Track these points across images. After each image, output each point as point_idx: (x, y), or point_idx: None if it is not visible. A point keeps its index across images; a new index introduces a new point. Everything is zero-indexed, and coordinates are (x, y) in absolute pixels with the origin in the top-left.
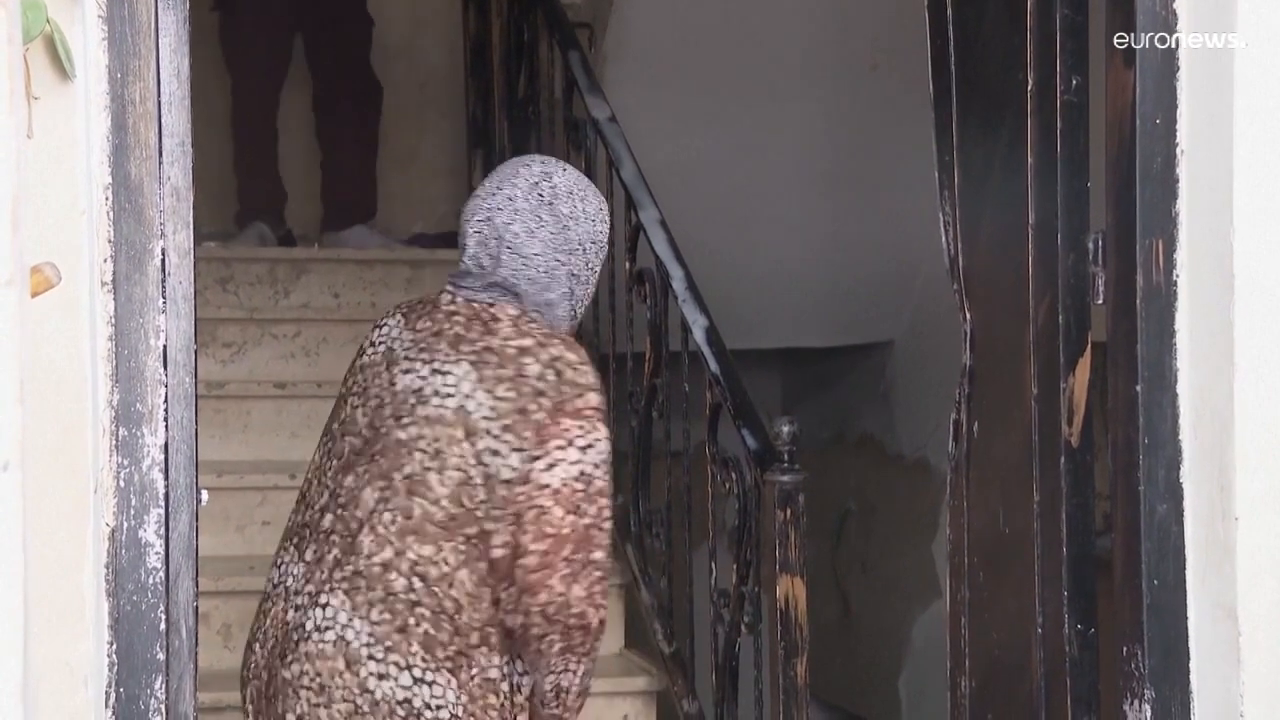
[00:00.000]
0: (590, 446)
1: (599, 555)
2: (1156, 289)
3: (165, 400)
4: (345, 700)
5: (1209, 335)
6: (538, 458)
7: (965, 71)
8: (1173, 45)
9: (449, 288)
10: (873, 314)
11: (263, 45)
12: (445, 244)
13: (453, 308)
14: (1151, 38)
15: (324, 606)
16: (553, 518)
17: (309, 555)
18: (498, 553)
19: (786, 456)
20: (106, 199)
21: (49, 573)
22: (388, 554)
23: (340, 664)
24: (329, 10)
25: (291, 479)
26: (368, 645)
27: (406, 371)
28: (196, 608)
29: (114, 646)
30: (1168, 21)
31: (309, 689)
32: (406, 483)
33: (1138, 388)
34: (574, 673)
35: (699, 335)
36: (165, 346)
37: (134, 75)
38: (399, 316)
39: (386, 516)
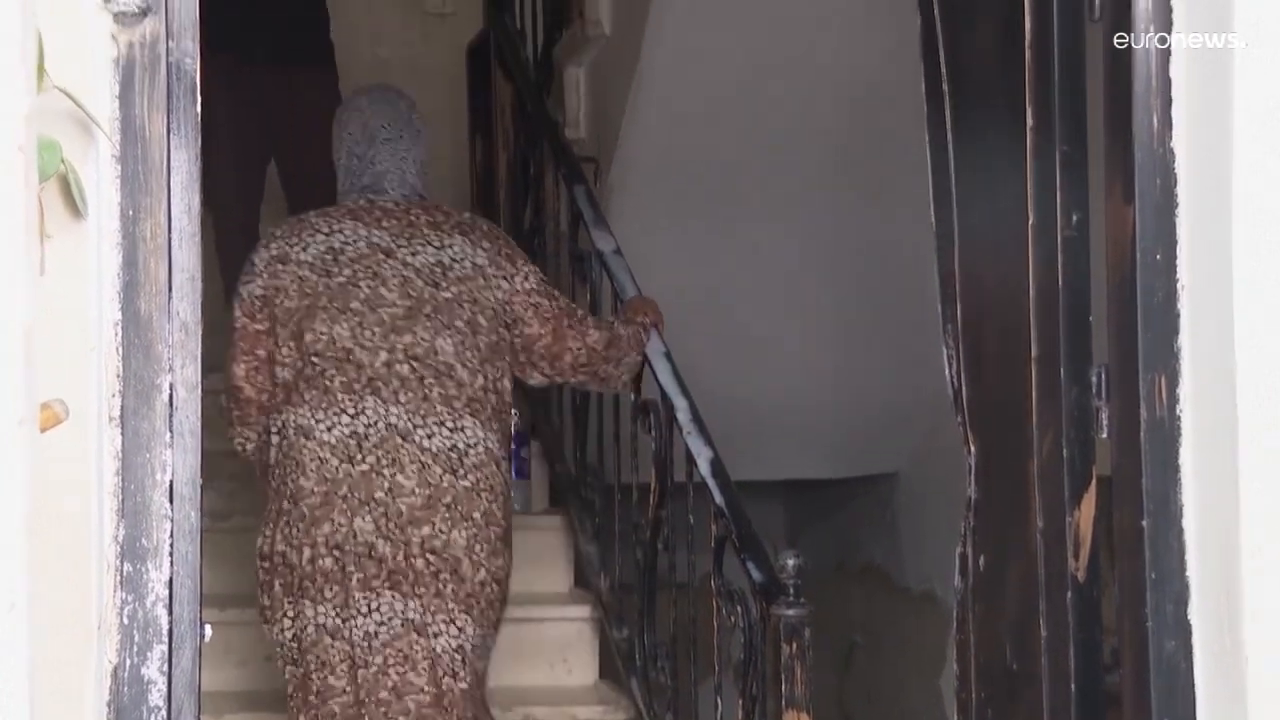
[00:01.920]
0: (529, 261)
1: (580, 311)
2: (1160, 423)
3: (170, 535)
4: (500, 491)
5: (1214, 469)
6: (515, 276)
7: (967, 204)
8: (1172, 181)
9: (368, 198)
10: (877, 445)
11: (236, 177)
12: None
13: (395, 208)
14: (1152, 175)
15: (463, 430)
16: (543, 306)
17: (404, 397)
18: (519, 347)
19: (792, 590)
20: (116, 334)
21: (52, 710)
22: (481, 380)
23: (493, 467)
24: (301, 138)
25: None
26: (498, 446)
27: (415, 254)
28: None
29: None
30: (1165, 160)
31: (485, 490)
32: (469, 326)
33: (1143, 522)
34: (637, 353)
35: (704, 467)
36: (171, 481)
37: (146, 212)
38: (348, 223)
39: (468, 354)
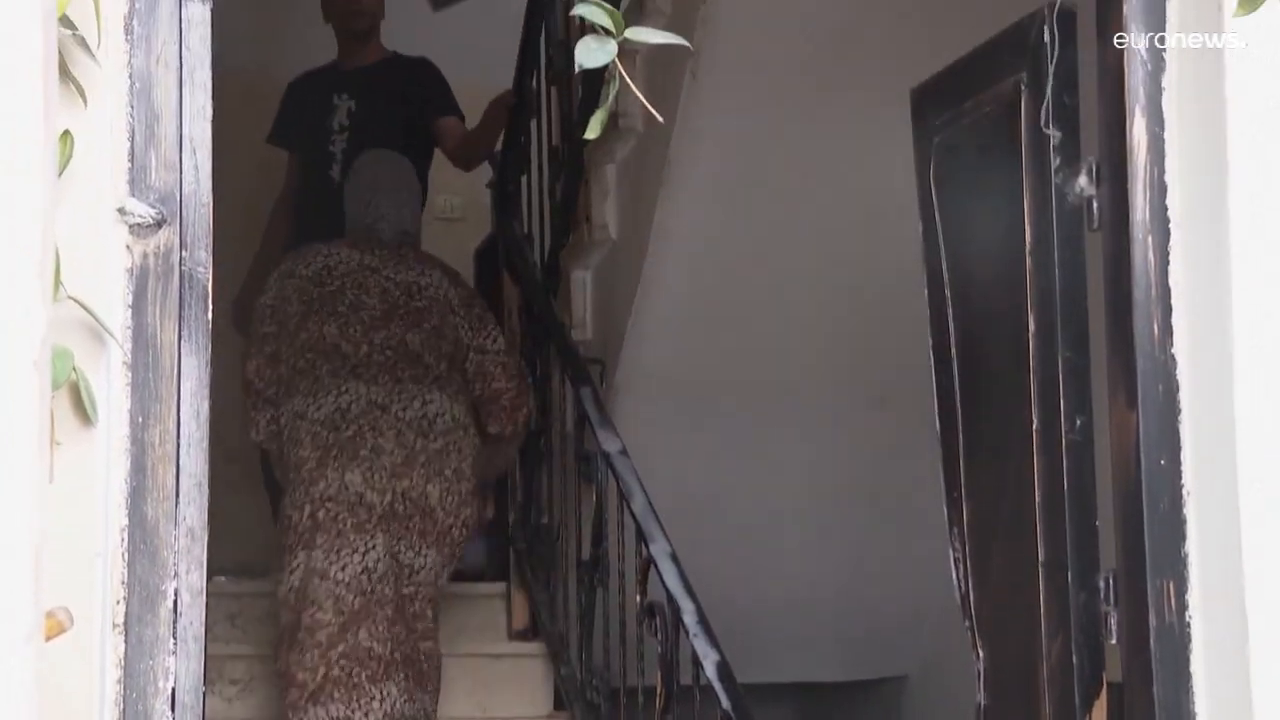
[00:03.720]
0: (497, 324)
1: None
2: (1170, 629)
3: None
4: (468, 452)
5: (1226, 676)
6: (487, 335)
7: (971, 408)
8: (1174, 387)
9: (369, 235)
10: (886, 648)
11: None
12: (458, 576)
13: (389, 243)
14: (1154, 381)
15: (431, 402)
16: (509, 365)
17: (381, 379)
18: (485, 398)
19: None
20: (122, 540)
21: None
22: (444, 365)
23: (460, 432)
24: None
25: None
26: (464, 414)
27: (397, 272)
28: None
29: None
30: (1167, 366)
31: (454, 451)
32: (435, 331)
33: None
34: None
35: (710, 670)
36: (174, 689)
37: (155, 419)
38: (344, 250)
39: (431, 348)
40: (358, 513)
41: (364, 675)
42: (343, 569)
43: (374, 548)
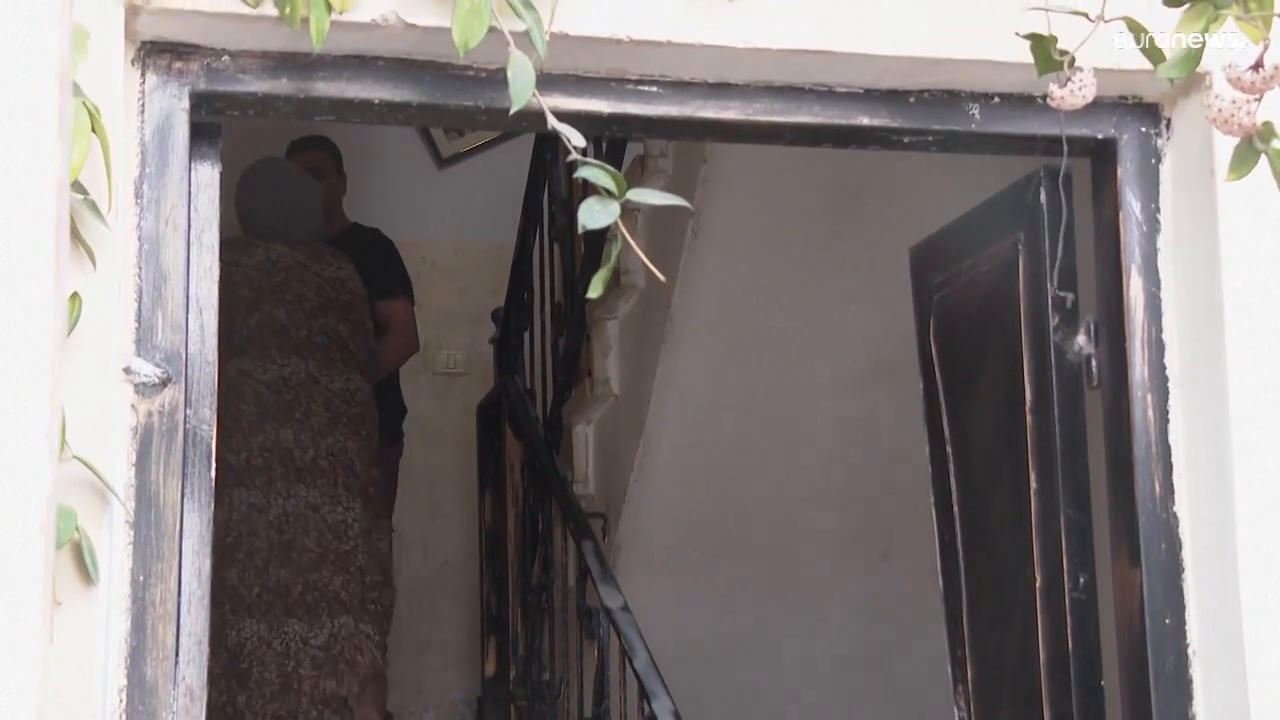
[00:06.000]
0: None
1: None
2: None
3: None
4: (374, 421)
5: None
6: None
7: (974, 565)
8: (1178, 546)
9: (272, 242)
10: None
11: None
12: None
13: (298, 243)
14: (1157, 540)
15: (352, 379)
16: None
17: (318, 357)
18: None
19: None
20: (121, 701)
21: None
22: (366, 354)
23: (371, 404)
24: None
25: None
26: (370, 390)
27: (323, 269)
28: None
29: None
30: (1169, 524)
31: (368, 418)
32: (357, 321)
33: None
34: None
35: None
36: None
37: (156, 578)
38: (279, 247)
39: (357, 337)
40: (286, 463)
41: (280, 607)
42: (270, 508)
43: (293, 496)
